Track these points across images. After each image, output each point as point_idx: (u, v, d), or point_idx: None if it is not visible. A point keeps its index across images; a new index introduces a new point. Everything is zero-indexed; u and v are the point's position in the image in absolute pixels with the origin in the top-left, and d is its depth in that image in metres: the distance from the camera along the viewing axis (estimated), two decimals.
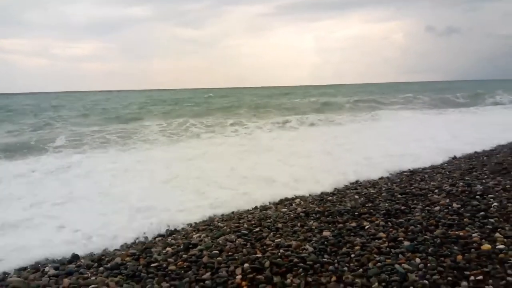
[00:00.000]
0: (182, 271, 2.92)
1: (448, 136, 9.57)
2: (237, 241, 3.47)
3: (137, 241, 3.93)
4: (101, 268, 3.14)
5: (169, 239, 3.83)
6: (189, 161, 7.71)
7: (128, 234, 4.02)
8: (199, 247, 3.35)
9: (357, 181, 5.80)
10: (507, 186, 4.68)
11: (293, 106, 20.55)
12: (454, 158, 7.13)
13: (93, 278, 2.94)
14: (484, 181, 5.06)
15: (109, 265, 3.20)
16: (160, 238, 3.96)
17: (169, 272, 2.92)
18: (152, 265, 3.08)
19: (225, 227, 4.03)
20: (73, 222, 4.32)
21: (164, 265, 3.05)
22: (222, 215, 4.59)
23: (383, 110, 17.37)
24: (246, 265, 2.90)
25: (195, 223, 4.35)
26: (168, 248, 3.48)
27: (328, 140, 9.93)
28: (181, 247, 3.45)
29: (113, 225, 4.22)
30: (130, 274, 2.95)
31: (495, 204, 4.01)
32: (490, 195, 4.33)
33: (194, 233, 3.93)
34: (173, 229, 4.19)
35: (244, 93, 37.94)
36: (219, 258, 3.07)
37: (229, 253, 3.18)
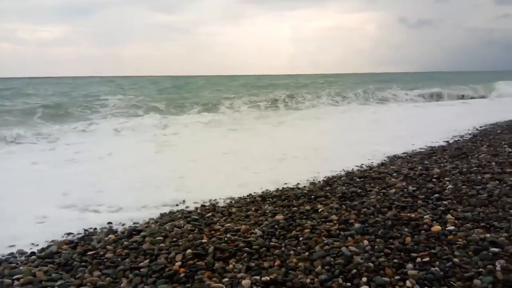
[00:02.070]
0: (119, 259, 2.72)
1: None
2: (185, 227, 3.29)
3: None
4: (32, 257, 2.90)
5: (115, 226, 3.61)
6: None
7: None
8: (142, 233, 3.15)
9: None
10: (463, 170, 4.71)
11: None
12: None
13: (21, 267, 2.70)
14: (442, 164, 5.08)
15: (42, 253, 2.97)
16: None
17: (105, 260, 2.72)
18: (89, 253, 2.87)
19: (177, 212, 3.85)
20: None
21: (101, 253, 2.84)
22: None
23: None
24: (188, 251, 2.73)
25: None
26: (110, 235, 3.26)
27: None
28: (125, 233, 3.25)
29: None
30: (63, 263, 2.72)
31: (450, 186, 4.01)
32: (446, 178, 4.34)
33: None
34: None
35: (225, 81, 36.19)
36: (161, 245, 2.89)
37: (174, 239, 3.00)
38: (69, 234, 3.36)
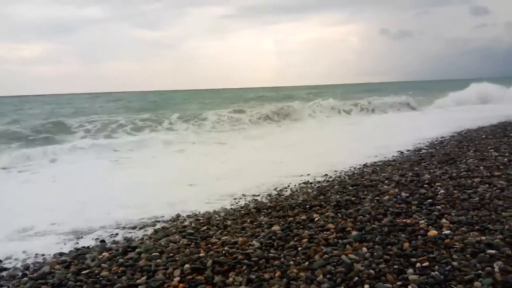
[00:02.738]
0: (115, 277, 2.65)
1: None
2: (180, 242, 3.24)
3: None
4: (24, 279, 2.80)
5: (108, 244, 3.53)
6: None
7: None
8: (137, 250, 3.09)
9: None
10: (453, 175, 4.78)
11: None
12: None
13: None
14: (432, 170, 5.15)
15: (35, 274, 2.87)
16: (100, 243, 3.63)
17: (101, 278, 2.65)
18: (83, 272, 2.79)
19: (171, 227, 3.79)
20: None
21: (97, 271, 2.77)
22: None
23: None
24: (186, 266, 2.68)
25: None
26: (104, 253, 3.18)
27: None
28: (119, 251, 3.18)
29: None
30: (57, 283, 2.64)
31: (442, 191, 4.06)
32: (437, 183, 4.39)
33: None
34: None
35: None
36: (158, 261, 2.83)
37: (170, 255, 2.95)
38: (61, 254, 3.28)
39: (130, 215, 4.27)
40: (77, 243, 3.57)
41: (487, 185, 4.17)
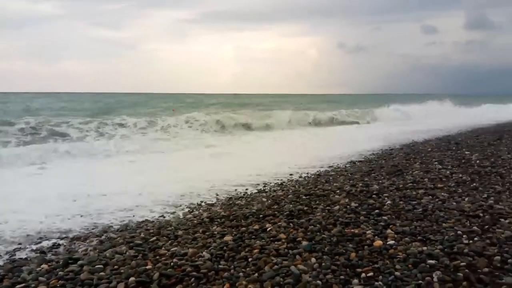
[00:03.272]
0: None
1: None
2: (127, 253, 3.11)
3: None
4: None
5: (49, 255, 3.32)
6: None
7: None
8: (80, 262, 2.93)
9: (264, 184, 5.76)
10: (400, 186, 5.00)
11: None
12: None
13: None
14: (380, 181, 5.35)
15: None
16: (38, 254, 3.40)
17: None
18: (18, 286, 2.60)
19: (119, 238, 3.63)
20: None
21: (33, 285, 2.59)
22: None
23: None
24: (131, 279, 2.58)
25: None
26: (43, 265, 2.98)
27: None
28: (60, 263, 3.00)
29: None
30: None
31: (389, 202, 4.21)
32: (385, 194, 4.57)
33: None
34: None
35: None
36: (101, 273, 2.70)
37: (115, 267, 2.82)
38: None
39: (75, 224, 4.08)
40: (14, 254, 3.34)
41: (430, 196, 4.40)
